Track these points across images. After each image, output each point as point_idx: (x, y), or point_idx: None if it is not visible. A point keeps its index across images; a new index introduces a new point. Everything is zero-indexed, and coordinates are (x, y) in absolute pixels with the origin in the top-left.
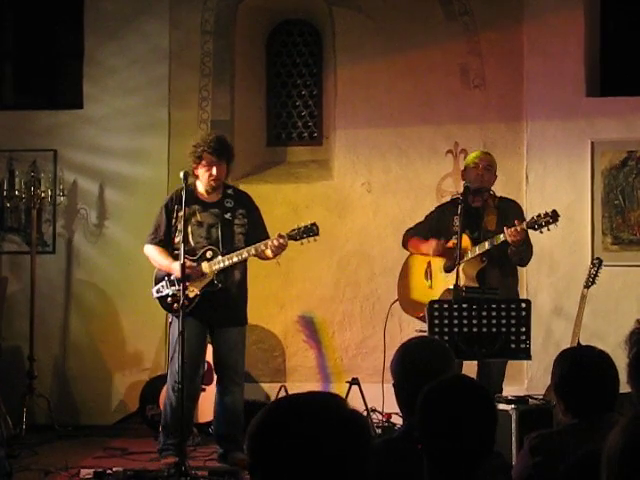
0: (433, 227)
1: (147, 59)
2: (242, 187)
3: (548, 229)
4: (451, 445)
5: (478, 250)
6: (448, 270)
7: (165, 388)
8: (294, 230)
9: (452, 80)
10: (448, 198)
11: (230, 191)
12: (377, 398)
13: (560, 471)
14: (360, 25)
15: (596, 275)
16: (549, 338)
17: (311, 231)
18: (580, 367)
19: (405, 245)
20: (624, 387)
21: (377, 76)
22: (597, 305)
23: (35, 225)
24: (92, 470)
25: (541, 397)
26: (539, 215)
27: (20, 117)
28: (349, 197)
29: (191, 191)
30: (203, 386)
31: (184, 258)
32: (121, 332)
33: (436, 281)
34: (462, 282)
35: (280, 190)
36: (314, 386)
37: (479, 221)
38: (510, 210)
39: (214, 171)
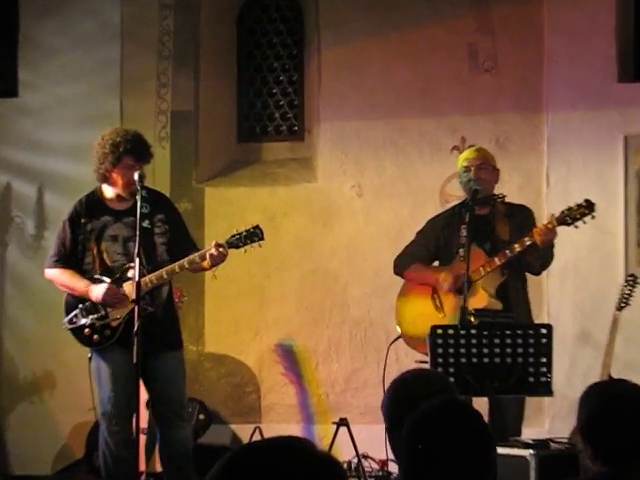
0: (431, 245)
1: (94, 39)
2: (209, 191)
3: (584, 222)
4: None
5: (498, 261)
6: (460, 290)
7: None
8: (234, 236)
9: (458, 63)
10: (454, 203)
11: (143, 193)
12: (370, 442)
13: None
14: None
15: (630, 295)
16: (574, 370)
17: (255, 235)
18: (612, 405)
19: (401, 275)
20: None
21: (369, 58)
22: (631, 331)
23: None
24: None
25: (565, 441)
26: (570, 208)
27: None
28: (336, 202)
29: (98, 199)
30: None
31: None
32: (64, 364)
33: (448, 306)
34: (483, 302)
35: (254, 194)
36: (294, 428)
37: (489, 230)
38: (522, 216)
39: (136, 176)
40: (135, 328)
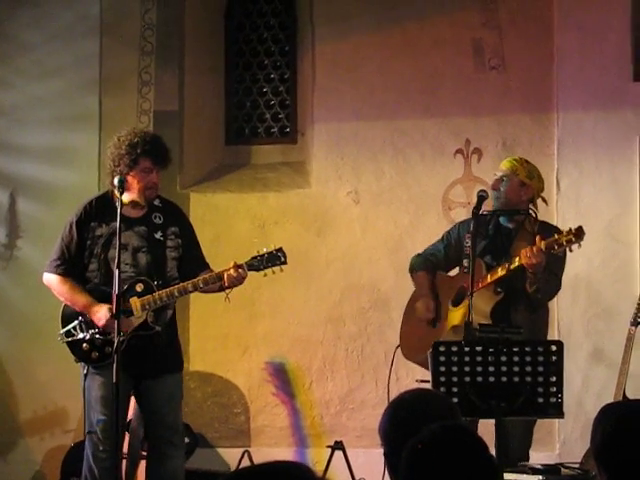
0: (451, 250)
1: (72, 32)
2: (194, 197)
3: (570, 250)
4: None
5: (490, 277)
6: (456, 303)
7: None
8: (255, 258)
9: (463, 60)
10: (456, 210)
11: (157, 202)
12: (367, 467)
13: None
14: None
15: None
16: (587, 390)
17: (277, 259)
18: (628, 427)
19: (412, 275)
20: None
21: (367, 55)
22: None
23: None
24: None
25: (577, 466)
26: (560, 232)
27: None
28: (331, 210)
29: (109, 203)
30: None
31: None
32: (38, 383)
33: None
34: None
35: (242, 201)
36: (286, 452)
37: (507, 245)
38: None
39: (155, 179)
40: (115, 345)
